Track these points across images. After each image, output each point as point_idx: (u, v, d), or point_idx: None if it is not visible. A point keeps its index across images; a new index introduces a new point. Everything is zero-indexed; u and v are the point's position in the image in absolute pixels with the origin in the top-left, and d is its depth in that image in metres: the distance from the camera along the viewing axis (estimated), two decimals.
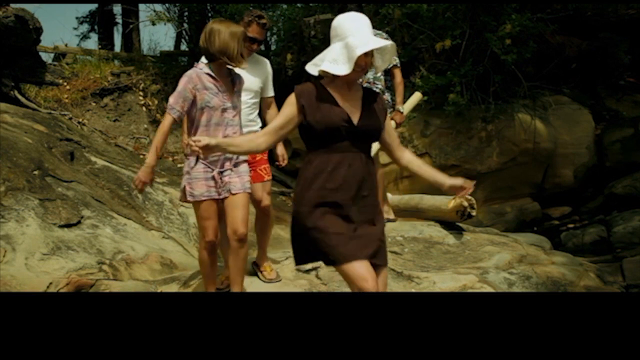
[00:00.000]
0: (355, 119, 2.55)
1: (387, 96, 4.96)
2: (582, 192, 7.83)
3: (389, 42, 2.56)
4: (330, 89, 2.59)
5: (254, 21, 3.91)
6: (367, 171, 2.58)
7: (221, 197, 3.54)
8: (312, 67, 2.61)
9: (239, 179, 3.58)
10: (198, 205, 3.54)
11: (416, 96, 5.61)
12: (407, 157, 2.75)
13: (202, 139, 2.50)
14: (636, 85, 8.50)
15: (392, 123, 4.93)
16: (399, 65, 5.03)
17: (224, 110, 3.49)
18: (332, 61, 2.52)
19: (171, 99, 3.47)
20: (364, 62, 2.52)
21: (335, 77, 2.57)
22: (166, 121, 3.47)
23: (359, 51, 2.44)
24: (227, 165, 3.56)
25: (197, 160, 3.49)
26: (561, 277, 4.45)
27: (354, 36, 2.48)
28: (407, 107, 5.38)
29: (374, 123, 2.60)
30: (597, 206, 7.39)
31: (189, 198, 3.53)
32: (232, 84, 3.56)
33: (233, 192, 3.56)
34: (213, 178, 3.52)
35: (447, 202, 4.86)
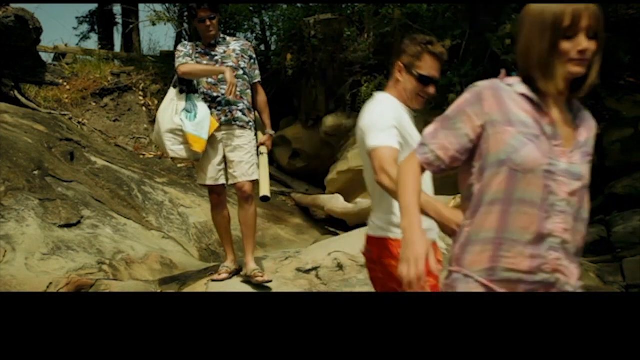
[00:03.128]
0: None
1: (253, 115, 4.28)
2: None
3: None
4: None
5: (424, 52, 2.47)
6: None
7: None
8: None
9: None
10: None
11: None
12: None
13: None
14: (636, 85, 8.49)
15: (263, 148, 4.26)
16: (260, 81, 4.38)
17: (551, 177, 1.67)
18: None
19: (426, 130, 1.74)
20: None
21: None
22: (409, 166, 1.72)
23: None
24: None
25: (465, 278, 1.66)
26: None
27: None
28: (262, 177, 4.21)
29: None
30: (597, 206, 7.38)
31: None
32: (574, 128, 1.76)
33: None
34: None
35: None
